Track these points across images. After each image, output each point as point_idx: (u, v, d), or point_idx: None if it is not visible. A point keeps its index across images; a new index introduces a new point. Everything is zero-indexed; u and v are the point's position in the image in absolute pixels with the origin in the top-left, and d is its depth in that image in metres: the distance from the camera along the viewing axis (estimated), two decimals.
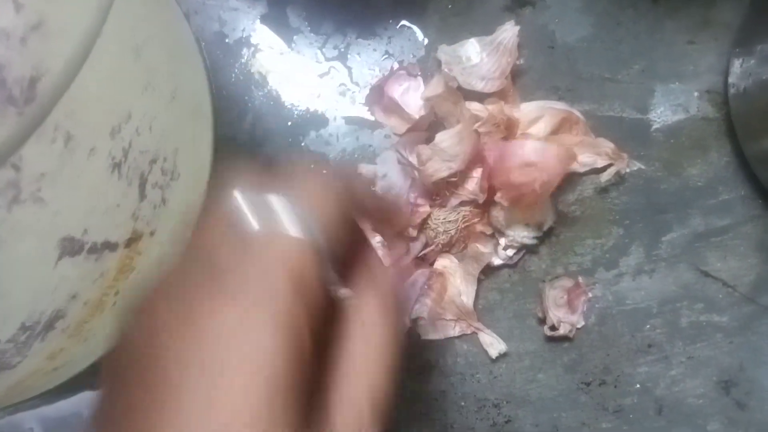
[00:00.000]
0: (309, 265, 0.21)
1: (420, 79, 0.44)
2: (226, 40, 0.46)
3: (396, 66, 0.45)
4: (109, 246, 0.31)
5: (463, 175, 0.41)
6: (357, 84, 0.45)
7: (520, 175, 0.39)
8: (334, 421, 0.21)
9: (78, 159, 0.25)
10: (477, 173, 0.41)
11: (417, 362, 0.43)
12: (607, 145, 0.42)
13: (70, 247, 0.27)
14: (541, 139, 0.42)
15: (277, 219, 0.22)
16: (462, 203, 0.42)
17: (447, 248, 0.43)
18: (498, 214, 0.41)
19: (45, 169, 0.23)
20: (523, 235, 0.41)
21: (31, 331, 0.28)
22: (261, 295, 0.20)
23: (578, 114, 0.43)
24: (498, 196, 0.40)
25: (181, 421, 0.19)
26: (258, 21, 0.46)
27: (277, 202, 0.22)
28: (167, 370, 0.19)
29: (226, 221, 0.22)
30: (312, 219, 0.22)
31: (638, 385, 0.42)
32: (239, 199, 0.22)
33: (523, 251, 0.43)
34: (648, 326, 0.42)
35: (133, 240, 0.34)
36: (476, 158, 0.41)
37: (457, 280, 0.42)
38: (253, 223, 0.21)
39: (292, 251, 0.21)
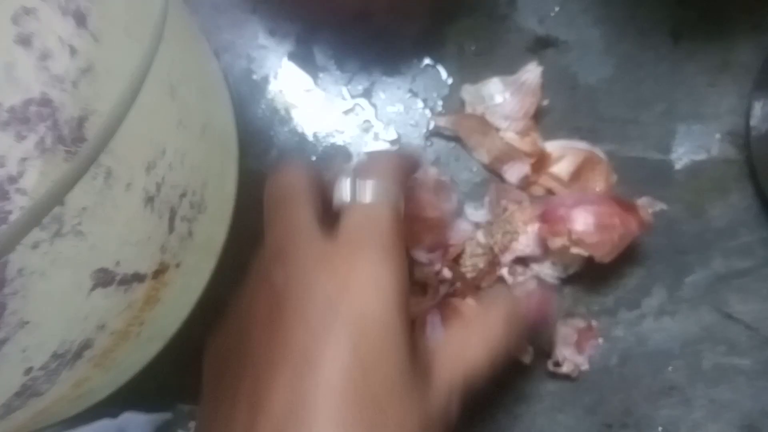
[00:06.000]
0: (393, 222, 0.26)
1: None
2: (254, 77, 0.47)
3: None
4: (138, 277, 0.32)
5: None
6: (381, 121, 0.46)
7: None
8: (429, 381, 0.25)
9: (115, 194, 0.25)
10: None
11: None
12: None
13: (103, 279, 0.28)
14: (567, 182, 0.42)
15: (363, 190, 0.27)
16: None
17: (477, 281, 0.42)
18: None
19: (86, 203, 0.23)
20: (547, 273, 0.41)
21: (62, 360, 0.28)
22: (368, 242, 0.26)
23: (601, 154, 0.43)
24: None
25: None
26: (285, 58, 0.47)
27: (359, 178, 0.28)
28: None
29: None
30: (389, 189, 0.27)
31: (660, 428, 0.42)
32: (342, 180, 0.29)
33: None
34: (670, 368, 0.42)
35: (159, 272, 0.34)
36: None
37: None
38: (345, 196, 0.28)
39: (380, 216, 0.26)
